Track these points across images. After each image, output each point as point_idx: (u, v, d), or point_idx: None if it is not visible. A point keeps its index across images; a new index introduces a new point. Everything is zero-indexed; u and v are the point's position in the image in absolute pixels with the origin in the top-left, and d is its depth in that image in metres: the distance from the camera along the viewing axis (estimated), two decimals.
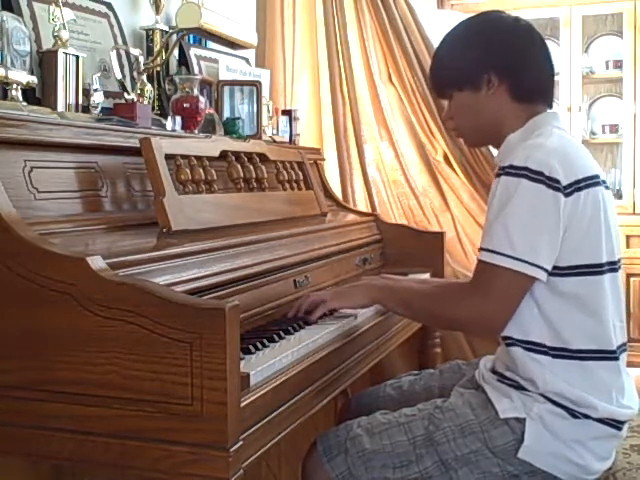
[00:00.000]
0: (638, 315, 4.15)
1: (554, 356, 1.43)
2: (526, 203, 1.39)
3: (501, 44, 1.56)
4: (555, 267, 1.41)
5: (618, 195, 4.42)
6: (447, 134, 3.02)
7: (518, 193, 1.39)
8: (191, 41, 2.53)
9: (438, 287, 1.60)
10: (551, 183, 1.38)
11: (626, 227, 4.13)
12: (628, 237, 4.18)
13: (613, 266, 1.47)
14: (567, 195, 1.39)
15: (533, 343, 1.44)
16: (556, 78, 4.73)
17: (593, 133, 4.68)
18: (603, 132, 4.66)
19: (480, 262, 1.43)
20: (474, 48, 1.57)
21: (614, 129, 4.59)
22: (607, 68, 4.57)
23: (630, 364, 1.53)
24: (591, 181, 1.43)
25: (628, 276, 4.15)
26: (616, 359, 1.45)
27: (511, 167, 1.41)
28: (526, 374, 1.44)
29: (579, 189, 1.40)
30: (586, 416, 1.41)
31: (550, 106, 1.60)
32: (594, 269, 1.43)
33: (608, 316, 1.45)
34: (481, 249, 1.43)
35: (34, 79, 1.65)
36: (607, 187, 1.51)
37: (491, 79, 1.54)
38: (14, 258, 1.19)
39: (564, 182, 1.39)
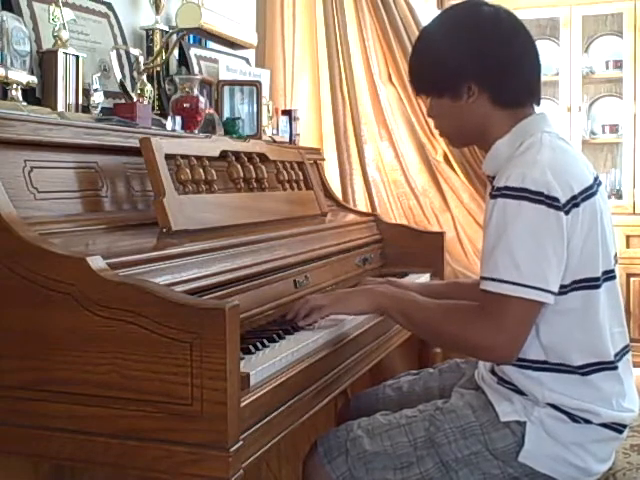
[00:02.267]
0: (638, 315, 4.14)
1: (552, 371, 1.41)
2: (529, 226, 1.33)
3: (481, 51, 1.47)
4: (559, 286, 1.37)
5: (618, 195, 4.41)
6: None
7: (519, 216, 1.33)
8: (191, 41, 2.53)
9: (447, 308, 1.48)
10: (551, 202, 1.33)
11: (626, 227, 4.13)
12: (628, 237, 4.18)
13: (610, 274, 1.45)
14: (567, 213, 1.35)
15: (530, 361, 1.41)
16: (556, 78, 4.70)
17: (593, 133, 4.68)
18: (603, 132, 4.66)
19: (487, 293, 1.36)
20: (453, 56, 1.48)
21: (614, 129, 4.59)
22: (607, 68, 4.57)
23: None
24: (587, 193, 1.39)
25: (628, 276, 4.14)
26: (615, 368, 1.43)
27: (507, 189, 1.35)
28: (524, 388, 1.43)
29: (576, 205, 1.36)
30: (587, 421, 1.41)
31: (538, 103, 1.53)
32: (591, 282, 1.40)
33: (605, 327, 1.42)
34: (485, 278, 1.37)
35: (34, 79, 1.65)
36: (599, 184, 1.46)
37: (471, 87, 1.47)
38: (14, 258, 1.19)
39: (563, 200, 1.34)
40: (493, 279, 1.35)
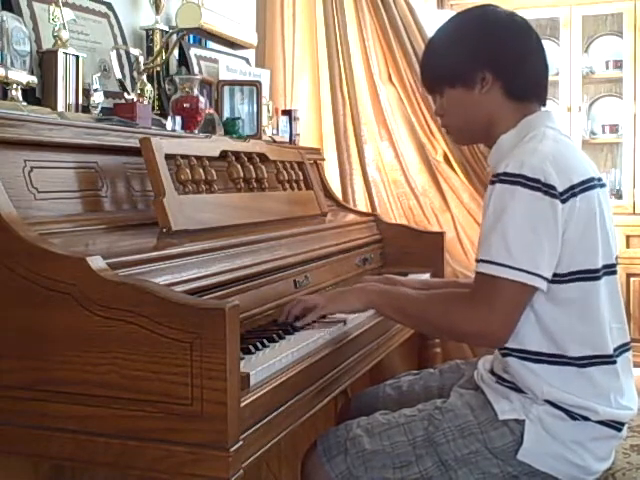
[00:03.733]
0: (638, 315, 4.14)
1: (551, 363, 1.41)
2: (523, 211, 1.35)
3: (497, 40, 1.53)
4: (554, 274, 1.38)
5: (618, 195, 4.42)
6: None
7: (515, 201, 1.36)
8: (191, 41, 2.53)
9: (437, 296, 1.53)
10: (548, 190, 1.35)
11: (626, 227, 4.13)
12: (628, 237, 4.18)
13: (610, 269, 1.46)
14: (563, 201, 1.36)
15: (529, 352, 1.42)
16: (556, 78, 4.71)
17: (593, 133, 4.68)
18: (603, 132, 4.66)
19: (479, 274, 1.39)
20: (469, 44, 1.53)
21: (614, 129, 4.59)
22: (607, 68, 4.57)
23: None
24: (586, 185, 1.41)
25: (628, 276, 4.15)
26: (613, 362, 1.43)
27: (505, 174, 1.38)
28: (524, 383, 1.44)
29: (574, 195, 1.38)
30: (585, 418, 1.41)
31: (544, 104, 1.57)
32: (590, 274, 1.41)
33: (604, 320, 1.43)
34: (479, 260, 1.39)
35: (34, 79, 1.65)
36: (602, 185, 1.48)
37: (485, 77, 1.51)
38: (14, 258, 1.19)
39: (560, 188, 1.36)
40: (485, 261, 1.37)
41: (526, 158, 1.38)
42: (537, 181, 1.35)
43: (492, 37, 1.53)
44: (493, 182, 1.40)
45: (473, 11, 1.60)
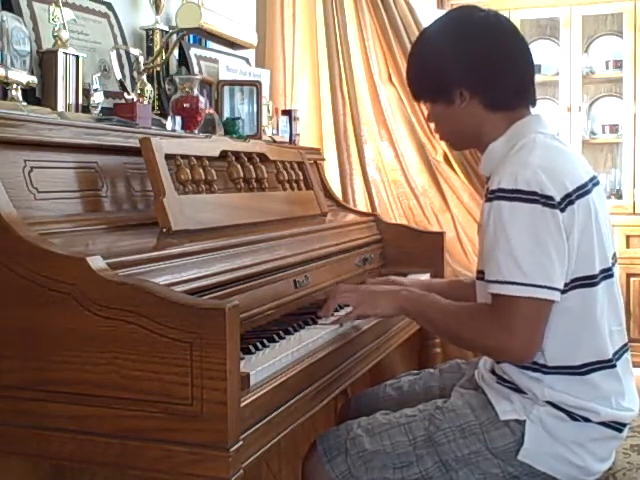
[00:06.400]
0: (638, 315, 4.14)
1: (550, 373, 1.41)
2: (526, 226, 1.34)
3: (470, 56, 1.50)
4: None
5: (618, 195, 4.42)
6: None
7: (515, 217, 1.34)
8: (191, 41, 2.53)
9: (462, 312, 1.49)
10: (546, 201, 1.34)
11: (626, 227, 4.13)
12: (628, 237, 4.18)
13: (607, 273, 1.45)
14: (562, 210, 1.36)
15: (529, 362, 1.42)
16: (556, 78, 4.71)
17: (593, 133, 4.68)
18: (603, 132, 4.66)
19: (494, 296, 1.38)
20: (443, 62, 1.52)
21: (614, 129, 4.59)
22: (607, 68, 4.57)
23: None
24: (581, 191, 1.40)
25: (628, 276, 4.15)
26: (613, 366, 1.43)
27: (501, 191, 1.36)
28: (524, 385, 1.43)
29: (571, 202, 1.37)
30: (586, 419, 1.41)
31: (533, 104, 1.55)
32: (588, 280, 1.40)
33: (603, 325, 1.43)
34: (490, 281, 1.38)
35: (34, 79, 1.65)
36: (596, 183, 1.47)
37: (462, 93, 1.51)
38: (14, 258, 1.19)
39: (557, 198, 1.35)
40: (497, 281, 1.36)
41: (519, 171, 1.37)
42: (534, 194, 1.34)
43: (465, 53, 1.51)
44: (490, 199, 1.39)
45: (449, 22, 1.59)
